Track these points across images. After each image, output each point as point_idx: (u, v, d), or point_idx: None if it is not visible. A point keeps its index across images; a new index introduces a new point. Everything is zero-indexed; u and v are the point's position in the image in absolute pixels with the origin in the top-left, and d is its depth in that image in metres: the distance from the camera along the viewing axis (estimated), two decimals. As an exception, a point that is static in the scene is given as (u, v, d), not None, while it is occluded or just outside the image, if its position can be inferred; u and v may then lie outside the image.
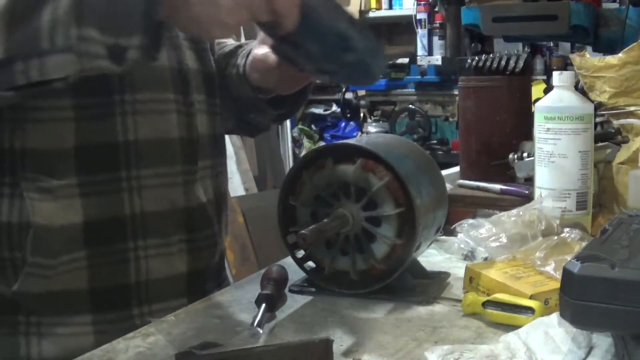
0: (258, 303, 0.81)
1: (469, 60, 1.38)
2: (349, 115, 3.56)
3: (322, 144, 3.61)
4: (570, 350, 0.67)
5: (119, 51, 0.67)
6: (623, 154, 1.12)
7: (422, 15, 3.48)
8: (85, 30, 0.65)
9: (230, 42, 1.13)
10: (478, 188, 1.31)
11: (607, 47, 1.58)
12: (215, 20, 0.69)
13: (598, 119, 1.22)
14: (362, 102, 3.34)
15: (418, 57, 3.20)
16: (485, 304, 0.78)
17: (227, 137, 1.12)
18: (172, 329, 0.78)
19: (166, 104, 0.90)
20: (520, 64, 1.34)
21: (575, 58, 1.16)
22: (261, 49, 0.98)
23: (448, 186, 1.18)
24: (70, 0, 0.65)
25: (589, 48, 1.71)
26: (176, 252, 0.92)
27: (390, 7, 4.08)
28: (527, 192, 1.17)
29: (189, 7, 0.68)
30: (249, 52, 1.03)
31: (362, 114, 3.53)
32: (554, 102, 1.03)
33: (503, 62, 1.35)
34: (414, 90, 3.10)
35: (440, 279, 0.93)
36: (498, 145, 1.34)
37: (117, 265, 0.86)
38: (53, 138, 0.82)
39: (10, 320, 0.85)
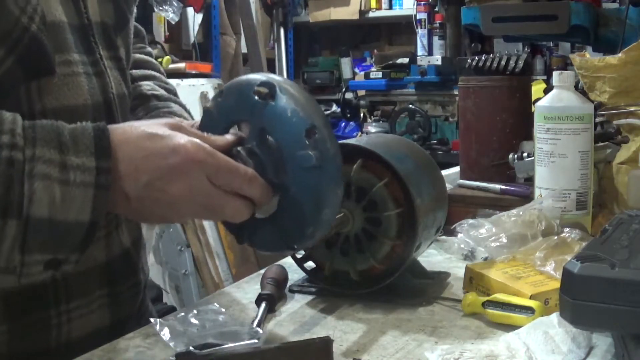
0: (258, 303, 0.81)
1: (469, 60, 1.38)
2: (349, 115, 3.56)
3: (322, 144, 3.60)
4: (570, 350, 0.67)
5: (56, 262, 0.64)
6: (623, 154, 1.12)
7: (422, 15, 3.49)
8: (28, 256, 0.62)
9: (150, 86, 1.05)
10: (478, 188, 1.31)
11: (607, 47, 1.58)
12: (170, 220, 0.67)
13: (598, 119, 1.22)
14: (362, 102, 3.34)
15: (418, 57, 3.20)
16: (485, 304, 0.78)
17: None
18: (172, 329, 0.78)
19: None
20: (520, 64, 1.34)
21: (575, 58, 1.16)
22: None
23: (448, 186, 1.18)
24: (15, 230, 0.61)
25: (589, 48, 1.70)
26: (97, 309, 0.83)
27: (390, 7, 4.09)
28: (527, 192, 1.17)
29: (145, 215, 0.66)
30: None
31: (362, 114, 3.53)
32: (554, 102, 1.03)
33: (503, 62, 1.35)
34: (414, 90, 3.09)
35: (440, 279, 0.93)
36: (498, 145, 1.34)
37: (38, 333, 0.78)
38: None
39: None
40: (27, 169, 0.60)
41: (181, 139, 0.64)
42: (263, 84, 0.66)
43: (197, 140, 0.64)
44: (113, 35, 0.86)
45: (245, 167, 0.66)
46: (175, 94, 1.07)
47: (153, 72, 1.08)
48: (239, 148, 0.67)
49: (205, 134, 0.68)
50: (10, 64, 0.69)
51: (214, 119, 0.70)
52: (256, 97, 0.66)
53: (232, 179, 0.65)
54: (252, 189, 0.66)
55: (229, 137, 0.68)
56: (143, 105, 1.00)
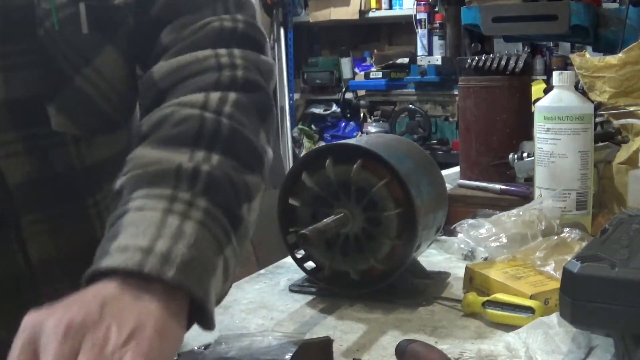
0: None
1: (469, 60, 1.39)
2: (349, 115, 3.56)
3: (322, 144, 3.61)
4: (570, 350, 0.67)
5: None
6: (623, 154, 1.12)
7: (422, 15, 3.49)
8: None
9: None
10: (478, 188, 1.31)
11: (607, 47, 1.58)
12: None
13: (598, 119, 1.23)
14: (362, 102, 3.34)
15: (418, 57, 3.21)
16: (485, 304, 0.78)
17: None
18: None
19: None
20: (520, 64, 1.35)
21: (575, 58, 1.16)
22: None
23: (448, 186, 1.18)
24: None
25: (589, 48, 1.71)
26: None
27: (390, 7, 4.09)
28: (527, 192, 1.17)
29: None
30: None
31: (362, 114, 3.53)
32: (554, 102, 1.03)
33: (503, 62, 1.35)
34: (414, 90, 3.10)
35: (440, 279, 0.93)
36: (498, 145, 1.35)
37: None
38: None
39: None
40: None
41: None
42: None
43: None
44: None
45: None
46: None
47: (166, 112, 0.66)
48: None
49: None
50: None
51: None
52: None
53: None
54: None
55: None
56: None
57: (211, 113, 0.63)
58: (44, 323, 0.49)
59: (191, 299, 0.53)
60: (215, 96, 0.64)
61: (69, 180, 0.73)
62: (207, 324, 0.54)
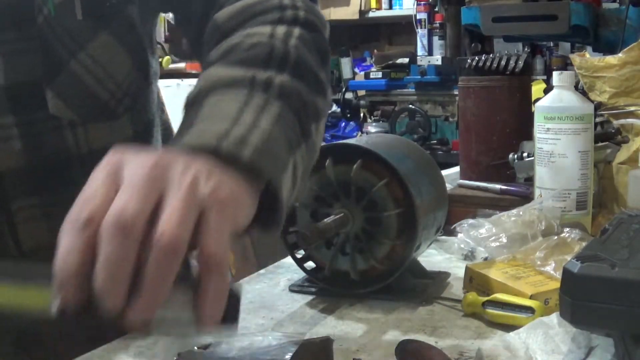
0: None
1: (469, 60, 1.38)
2: (349, 115, 3.56)
3: (322, 143, 3.60)
4: (570, 350, 0.67)
5: None
6: (623, 154, 1.12)
7: (422, 15, 3.49)
8: None
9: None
10: (478, 188, 1.31)
11: (607, 47, 1.58)
12: None
13: (598, 119, 1.22)
14: (362, 102, 3.34)
15: (418, 57, 3.21)
16: (485, 304, 0.78)
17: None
18: (172, 329, 0.78)
19: None
20: (520, 64, 1.34)
21: (575, 58, 1.16)
22: None
23: (448, 186, 1.18)
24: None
25: (589, 48, 1.71)
26: None
27: (390, 7, 4.09)
28: (527, 192, 1.17)
29: None
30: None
31: (362, 114, 3.53)
32: (554, 102, 1.03)
33: (503, 62, 1.35)
34: (414, 90, 3.10)
35: (440, 279, 0.93)
36: (498, 145, 1.35)
37: None
38: None
39: None
40: None
41: None
42: None
43: None
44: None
45: None
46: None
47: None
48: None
49: None
50: None
51: None
52: None
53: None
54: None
55: None
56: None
57: (279, 41, 0.65)
58: (129, 160, 0.47)
59: (265, 186, 0.53)
60: (281, 29, 0.67)
61: (65, 167, 0.74)
62: (276, 217, 0.54)
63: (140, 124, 0.82)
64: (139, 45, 0.80)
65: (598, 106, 1.14)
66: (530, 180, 1.17)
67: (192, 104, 0.59)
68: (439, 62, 3.02)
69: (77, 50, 0.72)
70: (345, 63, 4.25)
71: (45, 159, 0.73)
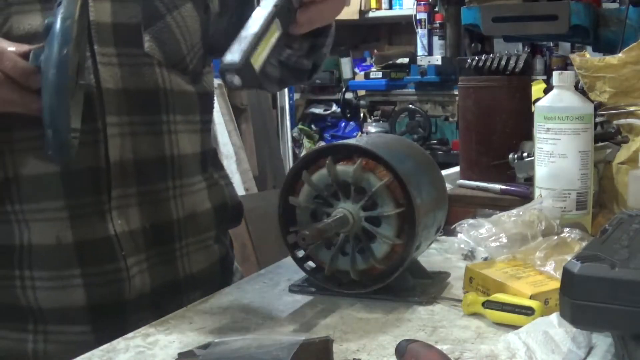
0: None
1: (469, 60, 1.39)
2: (349, 115, 3.56)
3: (322, 144, 3.61)
4: (570, 350, 0.67)
5: None
6: (623, 154, 1.12)
7: (422, 15, 3.48)
8: None
9: None
10: (478, 188, 1.31)
11: (607, 47, 1.58)
12: None
13: (598, 119, 1.23)
14: (362, 102, 3.34)
15: (418, 57, 3.20)
16: (485, 304, 0.78)
17: (227, 137, 1.11)
18: (172, 329, 0.78)
19: None
20: (520, 64, 1.35)
21: (575, 58, 1.16)
22: None
23: (448, 186, 1.18)
24: None
25: (589, 48, 1.71)
26: (69, 286, 0.86)
27: (390, 7, 4.09)
28: (527, 192, 1.17)
29: None
30: None
31: (362, 114, 3.53)
32: (554, 102, 1.03)
33: (503, 62, 1.35)
34: (414, 90, 3.10)
35: (440, 279, 0.93)
36: (498, 145, 1.35)
37: (4, 290, 0.87)
38: None
39: None
40: None
41: None
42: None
43: None
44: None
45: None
46: None
47: None
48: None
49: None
50: None
51: None
52: None
53: None
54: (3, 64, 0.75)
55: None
56: None
57: None
58: None
59: None
60: None
61: (151, 96, 0.90)
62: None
63: (202, 90, 0.99)
64: (205, 24, 0.97)
65: (598, 106, 1.14)
66: (530, 180, 1.17)
67: None
68: (439, 62, 3.02)
69: (172, 8, 0.92)
70: (345, 63, 4.25)
71: (137, 86, 0.89)
